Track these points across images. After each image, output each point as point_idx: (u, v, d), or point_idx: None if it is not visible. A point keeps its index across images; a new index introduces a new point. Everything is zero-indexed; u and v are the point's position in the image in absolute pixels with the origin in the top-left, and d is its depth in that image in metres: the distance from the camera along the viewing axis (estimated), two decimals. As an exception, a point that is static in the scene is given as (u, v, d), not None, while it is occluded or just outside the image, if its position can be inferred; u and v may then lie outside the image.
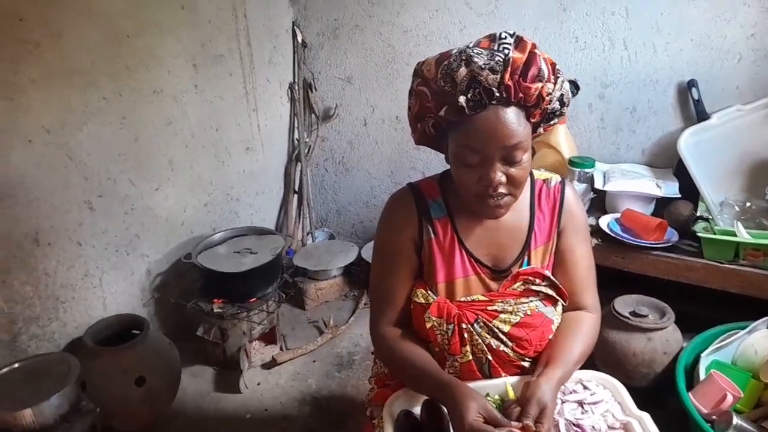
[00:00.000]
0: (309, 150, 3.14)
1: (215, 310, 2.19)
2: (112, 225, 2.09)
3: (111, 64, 1.97)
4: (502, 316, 1.17)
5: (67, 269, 1.95)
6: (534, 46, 1.06)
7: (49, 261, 1.87)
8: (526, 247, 1.23)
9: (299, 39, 2.92)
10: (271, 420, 2.06)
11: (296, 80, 3.02)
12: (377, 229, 1.29)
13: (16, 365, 1.65)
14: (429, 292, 1.21)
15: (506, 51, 1.03)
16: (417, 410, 1.13)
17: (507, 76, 1.02)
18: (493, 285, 1.22)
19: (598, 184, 2.20)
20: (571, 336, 1.18)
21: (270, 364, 2.33)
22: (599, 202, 2.25)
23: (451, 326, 1.17)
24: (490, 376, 1.19)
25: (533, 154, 1.14)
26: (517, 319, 1.17)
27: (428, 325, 1.18)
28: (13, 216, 1.73)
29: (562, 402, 1.13)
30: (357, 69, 2.95)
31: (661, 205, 2.15)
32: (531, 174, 1.27)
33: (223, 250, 2.33)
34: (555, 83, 1.09)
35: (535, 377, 1.07)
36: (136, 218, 2.18)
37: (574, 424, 1.08)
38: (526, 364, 1.21)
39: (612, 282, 1.89)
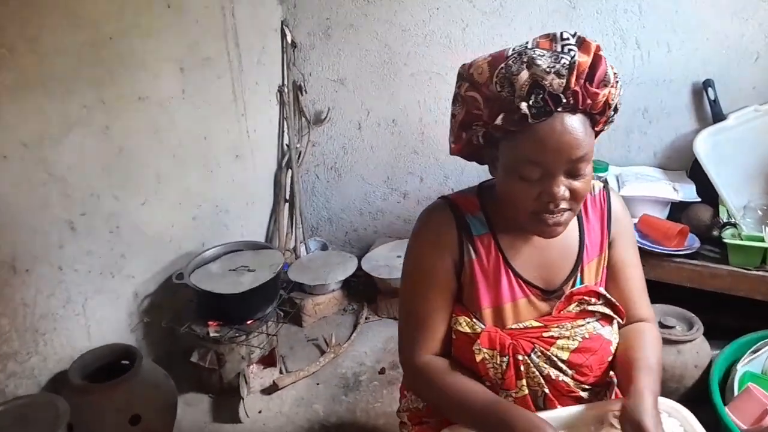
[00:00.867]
0: (300, 156, 3.00)
1: (211, 335, 2.04)
2: (95, 246, 1.91)
3: (92, 69, 1.80)
4: (560, 342, 1.08)
5: (47, 297, 1.77)
6: (598, 47, 0.96)
7: (27, 289, 1.70)
8: (579, 262, 1.15)
9: (288, 39, 2.78)
10: (279, 452, 1.93)
11: (285, 83, 2.88)
12: (409, 246, 1.18)
13: (-4, 410, 1.47)
14: (474, 320, 1.10)
15: (572, 52, 0.94)
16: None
17: (573, 80, 0.93)
18: (544, 307, 1.13)
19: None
20: (643, 347, 1.10)
21: (270, 389, 2.19)
22: (615, 208, 2.18)
23: (505, 359, 1.07)
24: (544, 410, 1.09)
25: None
26: (576, 344, 1.09)
27: (478, 358, 1.08)
28: (-13, 242, 1.56)
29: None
30: (351, 70, 2.82)
31: (676, 210, 2.09)
32: None
33: (217, 267, 2.18)
34: (617, 88, 1.00)
35: (628, 399, 0.98)
36: (121, 237, 2.02)
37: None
38: (585, 394, 1.12)
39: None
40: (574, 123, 0.96)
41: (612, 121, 1.06)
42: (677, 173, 2.24)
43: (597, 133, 1.04)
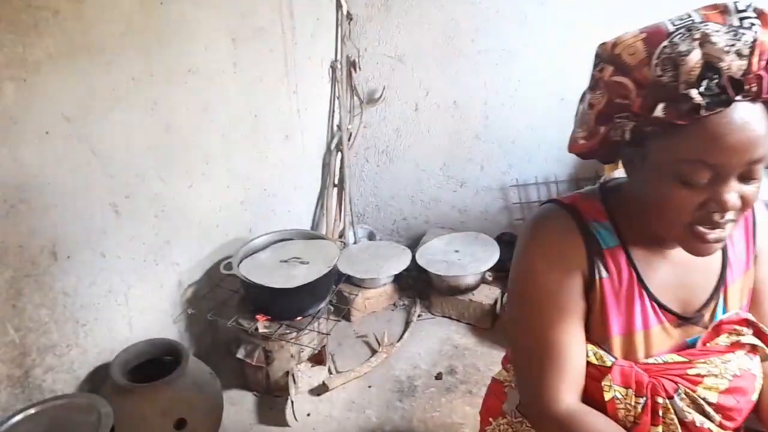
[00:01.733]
0: (350, 138, 2.81)
1: (260, 330, 1.90)
2: (140, 230, 1.78)
3: (141, 36, 1.64)
4: (708, 381, 0.90)
5: (88, 286, 1.64)
6: None
7: (68, 278, 1.57)
8: (721, 282, 0.97)
9: (344, 10, 2.57)
10: (330, 463, 1.78)
11: (339, 58, 2.68)
12: (522, 262, 0.98)
13: (32, 411, 1.35)
14: (602, 350, 0.91)
15: (754, 27, 0.73)
16: None
17: (755, 61, 0.73)
18: (678, 335, 0.95)
19: None
20: None
21: (319, 390, 2.04)
22: None
23: (642, 400, 0.88)
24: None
25: None
26: (726, 383, 0.90)
27: (608, 396, 0.89)
28: (27, 226, 1.42)
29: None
30: (410, 46, 2.61)
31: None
32: None
33: (267, 257, 2.03)
34: None
35: None
36: (166, 221, 1.88)
37: None
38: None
39: None
40: (755, 115, 0.76)
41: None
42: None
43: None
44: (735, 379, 0.90)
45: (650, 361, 0.91)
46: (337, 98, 2.73)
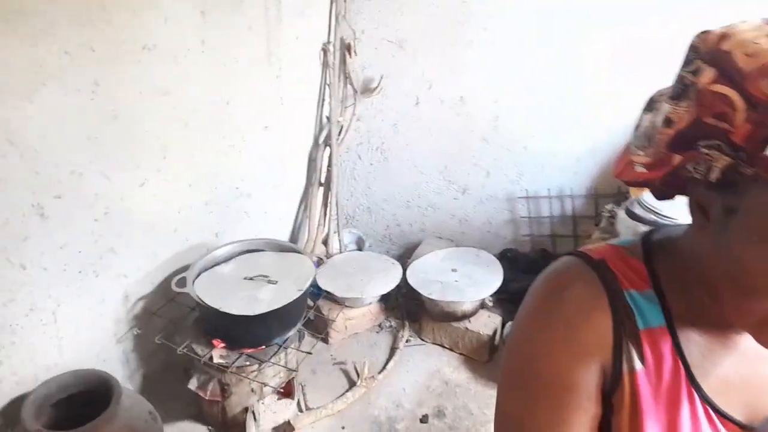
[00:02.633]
0: (341, 131, 2.53)
1: (215, 360, 1.64)
2: (74, 237, 1.51)
3: (79, 1, 1.36)
4: None
5: (4, 304, 1.38)
6: None
7: (-26, 295, 1.30)
8: None
9: (341, -15, 2.28)
10: None
11: (332, 40, 2.39)
12: (520, 331, 0.72)
13: None
14: None
15: None
16: None
17: None
18: None
19: None
20: None
21: (284, 429, 1.79)
22: None
23: None
24: None
25: None
26: None
27: None
28: None
29: None
30: (414, 30, 2.32)
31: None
32: None
33: (230, 272, 1.76)
34: None
35: None
36: (110, 226, 1.61)
37: None
38: None
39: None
40: None
41: None
42: None
43: None
44: None
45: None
46: (328, 86, 2.45)
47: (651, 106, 0.65)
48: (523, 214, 2.45)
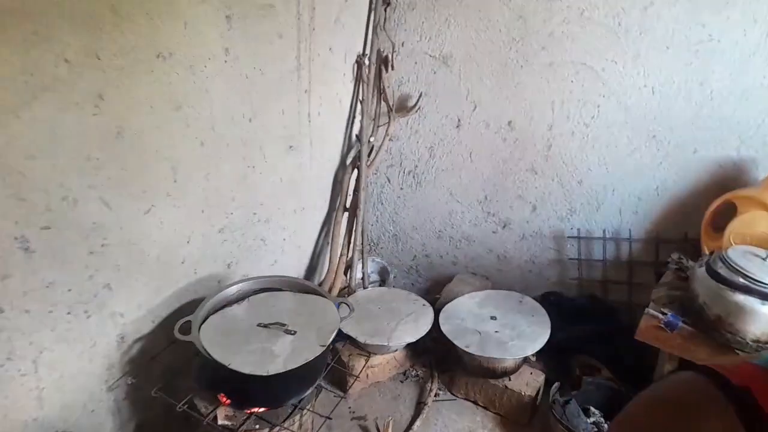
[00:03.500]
0: (371, 152, 2.33)
1: (220, 421, 1.43)
2: (64, 273, 1.31)
3: (83, 1, 1.17)
4: None
5: (-25, 353, 1.18)
6: None
7: (-61, 344, 1.11)
8: None
9: (381, -8, 2.09)
10: None
11: (367, 52, 2.20)
12: None
13: None
14: None
15: None
16: None
17: None
18: None
19: None
20: None
21: (295, 499, 1.57)
22: None
23: None
24: None
25: None
26: None
27: None
28: None
29: None
30: (461, 45, 2.12)
31: None
32: None
33: (242, 315, 1.55)
34: None
35: None
36: (107, 259, 1.41)
37: None
38: None
39: None
40: None
41: None
42: None
43: None
44: None
45: None
46: (360, 102, 2.25)
47: None
48: (572, 255, 2.22)
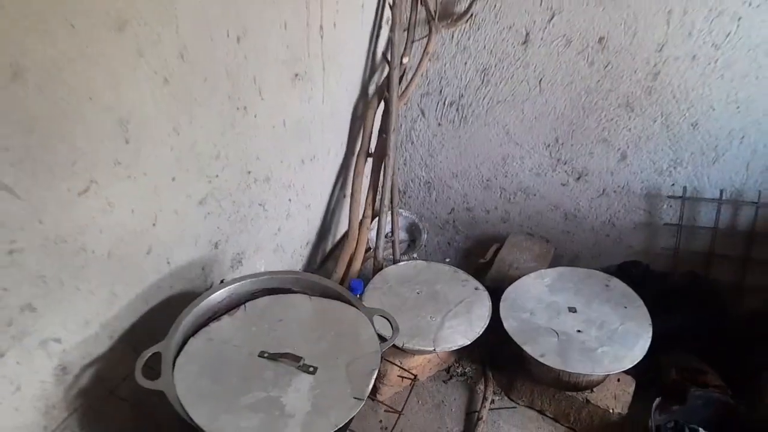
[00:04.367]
0: (403, 76, 1.78)
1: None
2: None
3: None
4: None
5: None
6: None
7: None
8: None
9: None
10: None
11: (403, -68, 1.59)
12: None
13: None
14: None
15: None
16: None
17: None
18: None
19: None
20: None
21: None
22: None
23: None
24: None
25: None
26: None
27: None
28: None
29: None
30: (541, -76, 1.51)
31: None
32: None
33: (236, 336, 1.11)
34: None
35: None
36: (22, 270, 0.94)
37: None
38: None
39: None
40: None
41: None
42: None
43: None
44: None
45: None
46: (390, 6, 1.67)
47: None
48: (669, 219, 1.75)
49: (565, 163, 1.83)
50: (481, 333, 1.49)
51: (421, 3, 1.71)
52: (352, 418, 0.96)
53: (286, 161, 1.55)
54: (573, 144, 1.79)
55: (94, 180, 0.99)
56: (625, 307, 1.54)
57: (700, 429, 1.44)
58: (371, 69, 1.78)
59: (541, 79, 1.73)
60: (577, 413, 1.51)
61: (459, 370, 1.71)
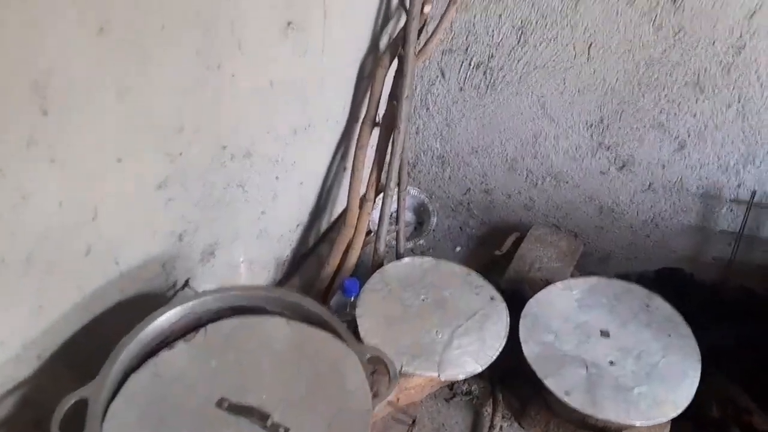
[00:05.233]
0: (423, 29, 1.49)
1: None
2: None
3: None
4: None
5: None
6: None
7: None
8: None
9: None
10: None
11: None
12: None
13: None
14: None
15: None
16: None
17: None
18: None
19: None
20: None
21: None
22: None
23: None
24: None
25: None
26: None
27: None
28: None
29: None
30: None
31: None
32: None
33: (190, 374, 0.88)
34: None
35: None
36: None
37: None
38: None
39: None
40: None
41: None
42: None
43: None
44: None
45: None
46: (413, -59, 1.37)
47: None
48: (727, 225, 1.51)
49: (608, 149, 1.57)
50: (495, 357, 1.27)
51: (451, -62, 1.40)
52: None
53: (273, 132, 1.29)
54: (621, 126, 1.52)
55: (3, 165, 0.74)
56: (669, 335, 1.31)
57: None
58: (384, 17, 1.49)
59: (591, 44, 1.44)
60: (601, 451, 1.31)
61: (464, 388, 1.50)
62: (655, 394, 1.20)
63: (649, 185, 1.57)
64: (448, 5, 1.46)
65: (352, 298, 1.37)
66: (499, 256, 1.74)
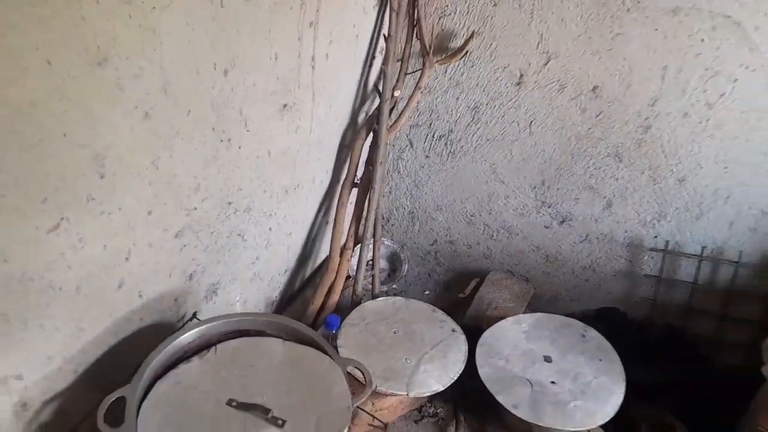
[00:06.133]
0: (393, 108, 1.77)
1: None
2: None
3: None
4: None
5: None
6: None
7: None
8: None
9: None
10: None
11: (402, -34, 1.58)
12: None
13: None
14: None
15: None
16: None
17: None
18: None
19: None
20: None
21: None
22: None
23: None
24: None
25: None
26: None
27: None
28: None
29: None
30: (542, -30, 1.51)
31: None
32: None
33: (204, 382, 1.08)
34: None
35: None
36: (-15, 308, 0.90)
37: None
38: None
39: None
40: None
41: None
42: None
43: None
44: None
45: None
46: (386, 38, 1.66)
47: None
48: (650, 270, 1.75)
49: (550, 207, 1.83)
50: (455, 379, 1.48)
51: (416, 36, 1.69)
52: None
53: (269, 191, 1.52)
54: (559, 188, 1.79)
55: (65, 217, 0.96)
56: (600, 360, 1.53)
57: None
58: (362, 99, 1.76)
59: (531, 122, 1.72)
60: (547, 464, 1.50)
61: (431, 411, 1.69)
62: (588, 407, 1.41)
63: (586, 237, 1.82)
64: (414, 89, 1.74)
65: (334, 331, 1.57)
66: (462, 298, 1.96)
